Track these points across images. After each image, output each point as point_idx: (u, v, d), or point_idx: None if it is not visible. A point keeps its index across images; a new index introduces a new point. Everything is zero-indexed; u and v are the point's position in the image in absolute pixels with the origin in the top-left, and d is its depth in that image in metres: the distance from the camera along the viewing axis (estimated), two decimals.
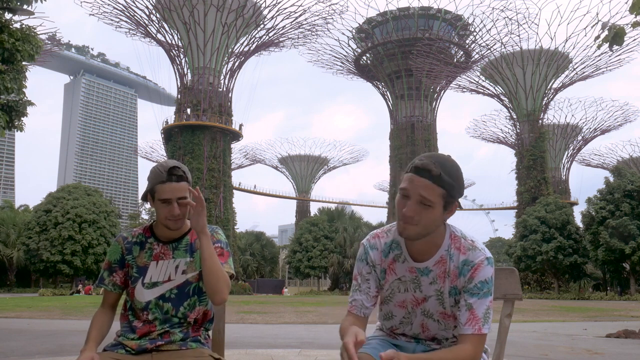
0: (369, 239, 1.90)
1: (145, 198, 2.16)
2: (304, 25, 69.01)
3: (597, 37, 4.34)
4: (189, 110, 66.50)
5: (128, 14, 65.21)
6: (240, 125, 69.20)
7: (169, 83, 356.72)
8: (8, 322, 13.43)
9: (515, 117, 74.33)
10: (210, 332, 2.23)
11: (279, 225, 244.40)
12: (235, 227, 70.38)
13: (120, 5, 63.84)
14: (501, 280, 2.14)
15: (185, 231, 2.17)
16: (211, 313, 2.19)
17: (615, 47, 4.38)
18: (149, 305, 2.09)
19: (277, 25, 68.11)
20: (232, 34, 66.10)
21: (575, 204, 79.60)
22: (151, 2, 64.05)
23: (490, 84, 74.80)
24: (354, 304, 1.87)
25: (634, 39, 60.37)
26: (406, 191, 1.68)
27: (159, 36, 68.16)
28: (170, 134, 67.21)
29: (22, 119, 11.20)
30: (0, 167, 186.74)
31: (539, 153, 70.02)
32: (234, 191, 71.47)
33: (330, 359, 6.44)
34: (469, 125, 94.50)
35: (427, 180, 1.65)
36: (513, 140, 77.44)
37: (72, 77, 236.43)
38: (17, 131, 11.37)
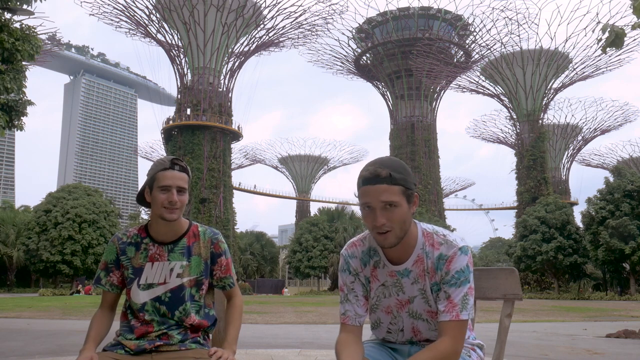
0: (346, 248, 1.93)
1: (141, 198, 2.13)
2: (304, 25, 69.08)
3: (600, 40, 4.34)
4: (189, 110, 66.54)
5: (128, 14, 65.26)
6: (239, 126, 69.25)
7: (169, 83, 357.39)
8: (8, 322, 13.40)
9: (515, 117, 74.35)
10: (210, 334, 2.21)
11: (279, 225, 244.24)
12: (235, 227, 70.35)
13: (120, 5, 63.93)
14: (501, 280, 2.14)
15: (182, 233, 2.13)
16: (207, 323, 2.14)
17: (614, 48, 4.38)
18: (144, 306, 2.07)
19: (277, 25, 68.17)
20: (232, 34, 66.12)
21: (575, 204, 79.60)
22: (151, 2, 64.10)
23: (490, 84, 74.81)
24: (347, 315, 1.88)
25: (634, 39, 60.43)
26: (368, 203, 1.71)
27: (159, 36, 68.26)
28: (170, 134, 67.25)
29: (22, 118, 11.20)
30: (0, 167, 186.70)
31: (539, 153, 70.02)
32: (234, 191, 71.49)
33: (330, 359, 6.43)
34: (469, 125, 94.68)
35: (381, 184, 1.69)
36: (513, 140, 77.48)
37: (72, 77, 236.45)
38: (17, 130, 11.36)
